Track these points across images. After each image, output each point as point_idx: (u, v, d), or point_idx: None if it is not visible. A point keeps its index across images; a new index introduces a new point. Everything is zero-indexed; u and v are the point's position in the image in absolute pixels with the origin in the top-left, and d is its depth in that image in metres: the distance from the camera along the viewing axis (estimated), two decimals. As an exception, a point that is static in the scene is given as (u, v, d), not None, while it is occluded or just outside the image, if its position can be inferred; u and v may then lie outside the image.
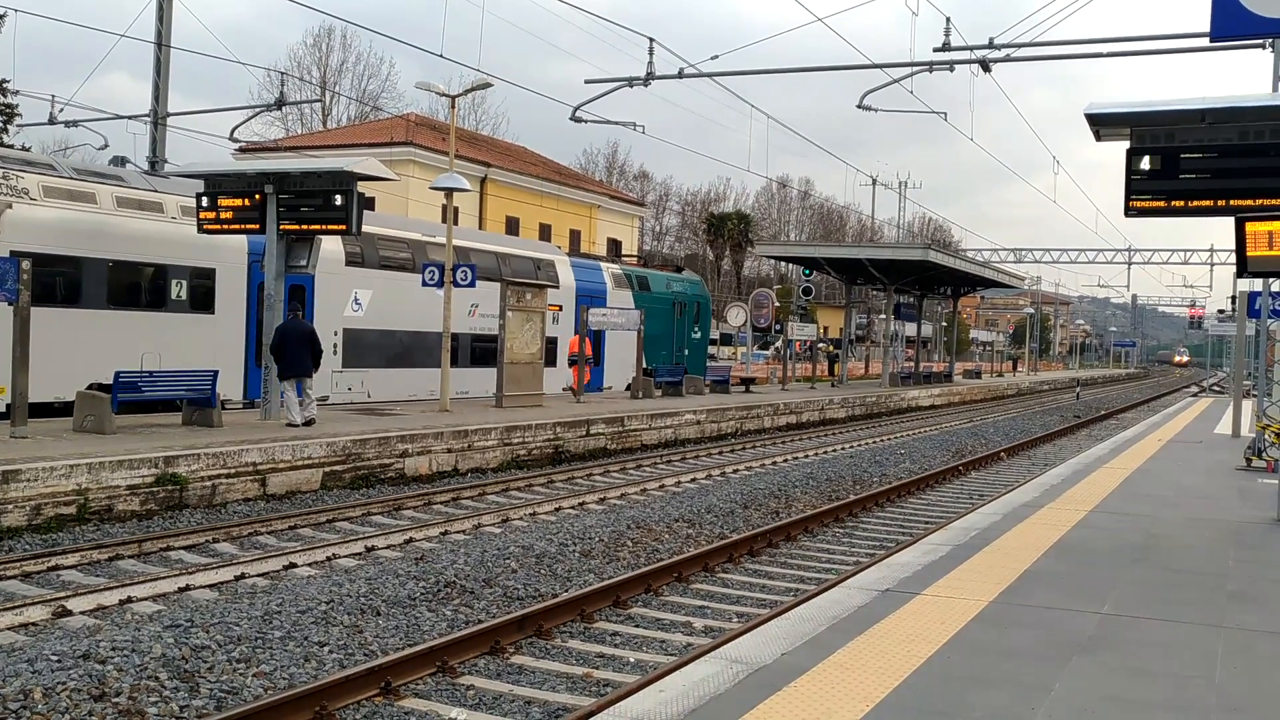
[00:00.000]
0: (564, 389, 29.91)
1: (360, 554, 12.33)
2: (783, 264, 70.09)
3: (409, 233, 26.70)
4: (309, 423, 18.09)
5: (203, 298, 20.86)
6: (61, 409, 17.92)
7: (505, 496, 16.96)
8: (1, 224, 17.61)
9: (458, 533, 13.76)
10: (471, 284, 22.78)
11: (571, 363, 29.32)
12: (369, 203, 28.30)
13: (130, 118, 30.88)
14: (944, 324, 66.22)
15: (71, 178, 19.43)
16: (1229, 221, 11.45)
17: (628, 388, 31.42)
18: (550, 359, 28.30)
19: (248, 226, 19.06)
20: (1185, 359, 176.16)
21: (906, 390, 44.06)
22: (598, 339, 32.29)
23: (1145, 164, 11.47)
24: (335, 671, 7.79)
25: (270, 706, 6.89)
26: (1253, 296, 25.40)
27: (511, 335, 23.93)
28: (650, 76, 26.11)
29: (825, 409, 33.99)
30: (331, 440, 16.63)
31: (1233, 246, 11.52)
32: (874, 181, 64.50)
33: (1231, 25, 14.15)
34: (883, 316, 56.19)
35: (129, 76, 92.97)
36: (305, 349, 18.40)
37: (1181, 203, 11.54)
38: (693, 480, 19.27)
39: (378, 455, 17.25)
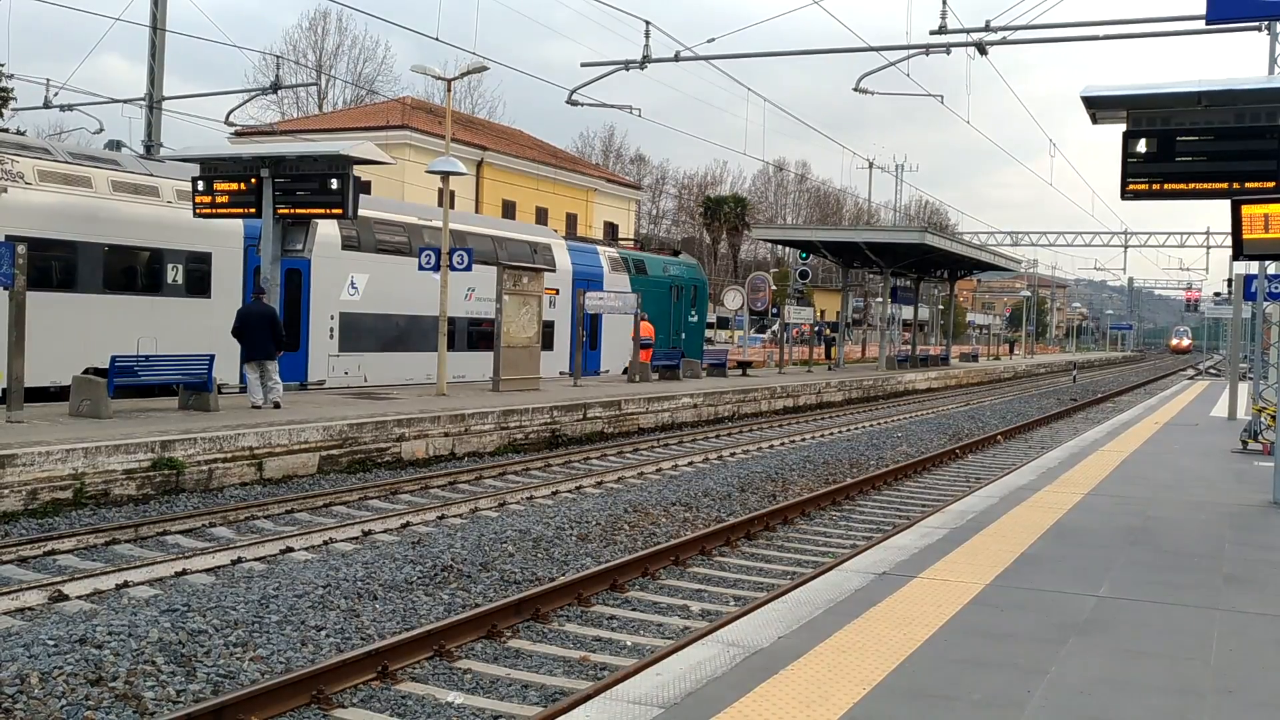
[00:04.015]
0: (560, 373, 29.92)
1: (357, 538, 12.33)
2: (779, 247, 70.08)
3: (405, 216, 26.66)
4: (275, 406, 18.15)
5: (199, 282, 20.83)
6: (58, 393, 17.91)
7: (502, 480, 16.97)
8: (-4, 208, 17.56)
9: (455, 517, 13.76)
10: (468, 268, 22.74)
11: (644, 346, 30.18)
12: (365, 186, 28.21)
13: (126, 101, 30.79)
14: (940, 307, 66.19)
15: (67, 162, 19.37)
16: (1225, 204, 11.45)
17: (624, 371, 31.42)
18: (547, 342, 28.33)
19: (244, 210, 19.04)
20: (1187, 343, 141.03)
21: (903, 373, 44.07)
22: (594, 322, 32.29)
23: (1142, 147, 11.47)
24: (332, 655, 7.80)
25: (267, 690, 6.90)
26: (1249, 279, 25.41)
27: (508, 319, 23.91)
28: (646, 60, 26.04)
29: (822, 392, 34.00)
30: (328, 424, 16.62)
31: (1229, 229, 11.52)
32: (870, 165, 64.42)
33: (1226, 7, 14.14)
34: (879, 300, 56.20)
35: (123, 59, 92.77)
36: (266, 332, 18.39)
37: (1178, 185, 11.55)
38: (690, 464, 19.28)
39: (374, 439, 17.24)
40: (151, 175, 20.79)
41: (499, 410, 19.93)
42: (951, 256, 46.06)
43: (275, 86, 36.42)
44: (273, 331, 18.42)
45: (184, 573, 10.46)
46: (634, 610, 9.73)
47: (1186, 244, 70.98)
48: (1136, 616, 7.16)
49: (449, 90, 24.87)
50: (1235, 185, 11.35)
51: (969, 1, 25.33)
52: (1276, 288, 19.07)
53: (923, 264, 47.94)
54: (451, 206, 23.64)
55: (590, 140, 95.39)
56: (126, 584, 9.95)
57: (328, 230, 22.39)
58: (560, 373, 29.90)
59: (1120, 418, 26.39)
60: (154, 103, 26.52)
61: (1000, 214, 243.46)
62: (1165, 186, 11.59)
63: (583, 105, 28.52)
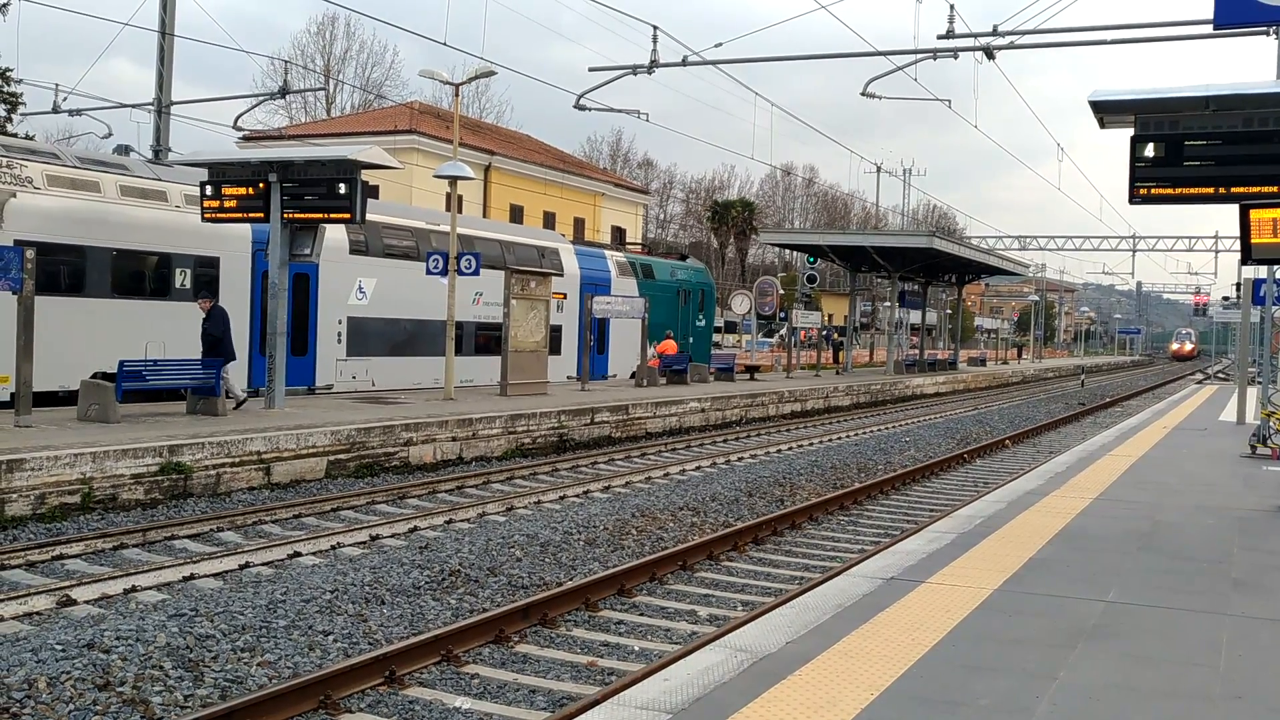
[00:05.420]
0: (568, 377, 29.94)
1: (365, 543, 12.34)
2: (787, 251, 70.02)
3: (413, 221, 26.67)
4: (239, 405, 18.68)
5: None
6: (66, 398, 17.94)
7: (510, 485, 16.97)
8: (5, 213, 17.61)
9: (462, 521, 13.77)
10: (475, 272, 22.75)
11: (671, 362, 31.62)
12: (373, 191, 28.28)
13: (134, 106, 30.91)
14: (948, 311, 66.13)
15: (75, 166, 19.41)
16: (1234, 209, 11.42)
17: (632, 375, 31.45)
18: (555, 347, 28.34)
19: (252, 215, 19.04)
20: (1190, 347, 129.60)
21: (911, 378, 44.02)
22: (602, 327, 32.33)
23: (1149, 151, 11.41)
24: (340, 660, 7.80)
25: (275, 695, 6.90)
26: (1257, 284, 25.40)
27: (516, 323, 23.92)
28: (654, 64, 26.04)
29: (830, 397, 33.98)
30: (336, 429, 16.64)
31: (1237, 234, 11.49)
32: (878, 169, 64.47)
33: (1233, 13, 14.12)
34: (887, 304, 56.15)
35: (132, 64, 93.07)
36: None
37: (1186, 190, 11.48)
38: (697, 468, 19.27)
39: (382, 444, 17.26)
40: (159, 180, 20.83)
41: (506, 415, 19.94)
42: (959, 260, 46.00)
43: (283, 91, 36.65)
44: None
45: (192, 577, 10.47)
46: (641, 615, 9.73)
47: (1195, 248, 71.11)
48: (1145, 622, 7.14)
49: (456, 94, 24.89)
50: (1244, 189, 11.31)
51: (976, 6, 25.34)
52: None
53: (930, 268, 47.90)
54: (459, 211, 23.66)
55: (598, 144, 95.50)
56: (134, 589, 9.97)
57: (335, 235, 22.44)
58: (568, 377, 29.91)
59: (1128, 422, 26.33)
60: (162, 107, 26.58)
61: (1008, 218, 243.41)
62: (1173, 191, 11.53)
63: (590, 110, 28.56)
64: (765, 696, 5.44)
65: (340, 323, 23.74)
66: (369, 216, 19.95)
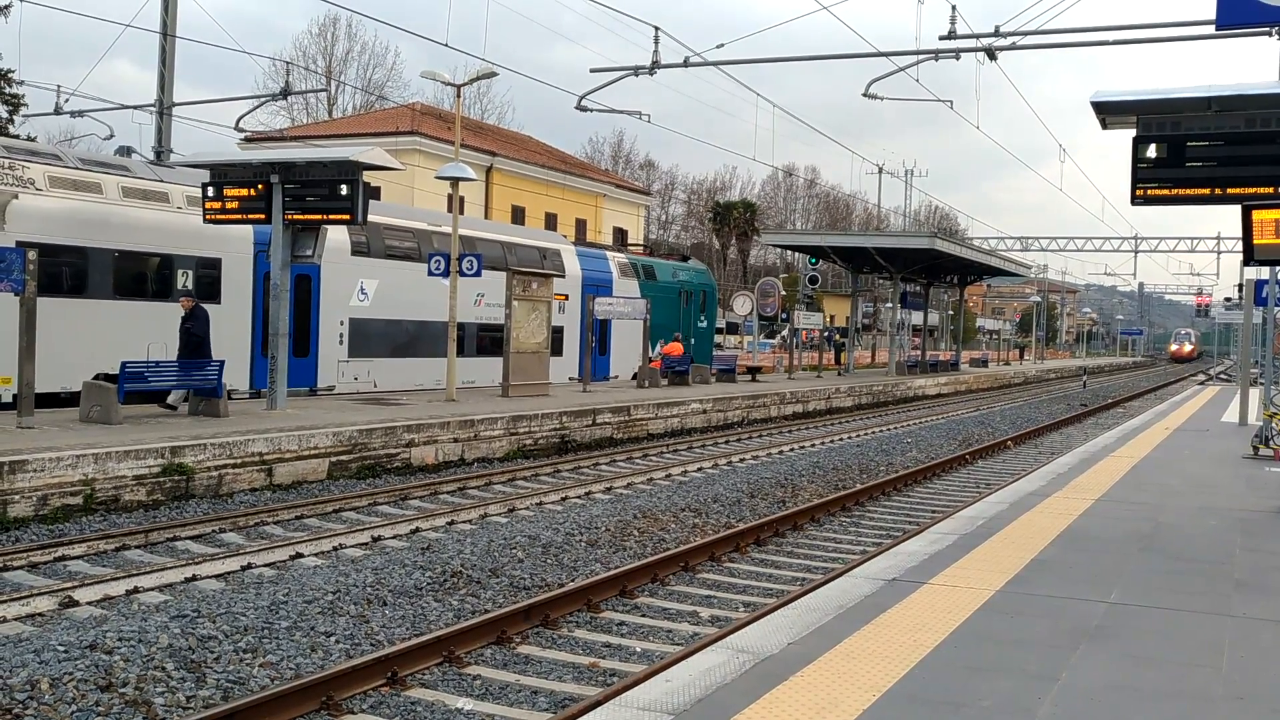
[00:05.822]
0: (569, 378, 29.96)
1: (367, 544, 12.34)
2: (789, 252, 70.02)
3: (414, 222, 26.68)
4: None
5: (209, 287, 20.86)
6: (68, 399, 17.96)
7: (511, 486, 16.97)
8: (8, 214, 17.62)
9: (464, 522, 13.77)
10: (477, 273, 22.77)
11: (674, 364, 31.93)
12: (375, 192, 28.23)
13: (136, 107, 30.90)
14: (950, 312, 66.08)
15: (77, 168, 19.42)
16: (1236, 209, 11.42)
17: (634, 376, 31.45)
18: (556, 348, 28.35)
19: (253, 216, 19.04)
20: (1189, 348, 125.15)
21: (913, 379, 44.01)
22: (603, 328, 32.35)
23: (1151, 152, 11.42)
24: (342, 661, 7.81)
25: (277, 696, 6.90)
26: (1260, 284, 25.39)
27: (517, 324, 23.94)
28: (655, 65, 26.02)
29: (831, 398, 33.97)
30: (338, 430, 16.64)
31: (1240, 234, 11.49)
32: (880, 170, 64.46)
33: (1235, 14, 14.12)
34: (889, 305, 56.16)
35: (133, 65, 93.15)
36: None
37: (1187, 191, 11.49)
38: (699, 469, 19.26)
39: (384, 445, 17.26)
40: (161, 181, 20.85)
41: (508, 416, 19.94)
42: (961, 261, 45.99)
43: (285, 92, 36.66)
44: None
45: (194, 578, 10.48)
46: (643, 616, 9.73)
47: (1197, 249, 71.03)
48: (1147, 623, 7.14)
49: (458, 96, 24.90)
50: (1245, 190, 11.31)
51: (978, 6, 25.32)
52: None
53: (932, 269, 47.88)
54: (461, 212, 23.67)
55: (599, 146, 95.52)
56: (137, 590, 9.97)
57: (337, 236, 22.44)
58: (570, 378, 29.92)
59: (1131, 423, 26.30)
60: (164, 108, 26.60)
61: (1010, 219, 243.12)
62: (1175, 192, 11.54)
63: (592, 111, 28.55)
64: (767, 697, 5.44)
65: (342, 324, 23.76)
66: (370, 218, 19.96)
